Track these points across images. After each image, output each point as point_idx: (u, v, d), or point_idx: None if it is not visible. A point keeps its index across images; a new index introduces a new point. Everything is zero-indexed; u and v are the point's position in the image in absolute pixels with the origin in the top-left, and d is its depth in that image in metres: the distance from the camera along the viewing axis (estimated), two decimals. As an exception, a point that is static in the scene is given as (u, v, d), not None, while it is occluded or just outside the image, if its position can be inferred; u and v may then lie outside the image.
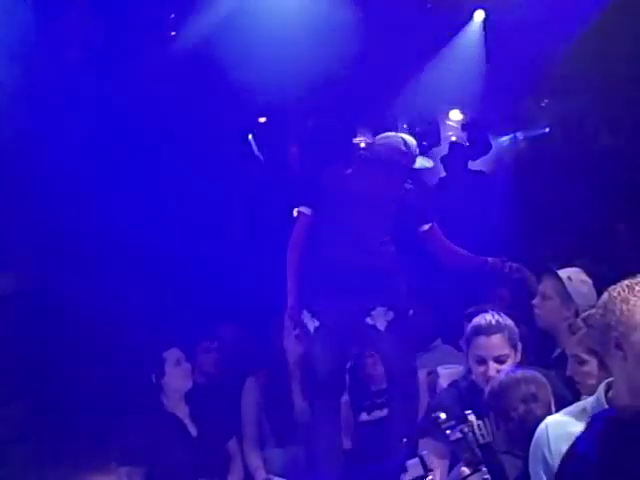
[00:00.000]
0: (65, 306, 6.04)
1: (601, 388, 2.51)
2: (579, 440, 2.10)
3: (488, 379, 3.46)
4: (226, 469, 4.62)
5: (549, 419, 2.62)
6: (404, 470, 2.47)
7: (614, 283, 2.50)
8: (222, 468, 4.59)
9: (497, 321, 3.66)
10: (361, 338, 4.37)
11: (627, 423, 1.96)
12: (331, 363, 4.40)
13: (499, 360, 3.60)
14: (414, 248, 4.69)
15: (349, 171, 4.61)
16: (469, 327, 3.72)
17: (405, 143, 4.73)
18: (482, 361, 3.60)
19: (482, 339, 3.59)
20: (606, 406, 2.42)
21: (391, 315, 4.22)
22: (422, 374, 4.59)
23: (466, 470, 2.47)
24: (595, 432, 2.04)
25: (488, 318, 3.67)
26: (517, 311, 4.32)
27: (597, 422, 2.04)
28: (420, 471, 2.42)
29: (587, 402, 2.54)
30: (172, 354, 4.57)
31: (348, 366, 4.56)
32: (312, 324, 4.37)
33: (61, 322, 6.02)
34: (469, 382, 3.74)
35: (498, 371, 3.54)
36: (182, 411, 4.56)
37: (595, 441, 1.95)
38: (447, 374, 4.40)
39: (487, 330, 3.61)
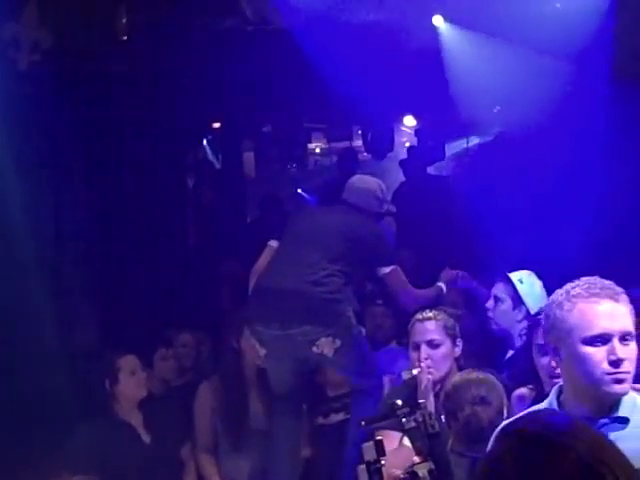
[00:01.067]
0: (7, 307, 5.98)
1: (554, 390, 2.54)
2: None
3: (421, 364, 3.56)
4: (179, 476, 4.57)
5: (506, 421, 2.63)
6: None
7: None
8: (175, 475, 4.55)
9: (433, 311, 3.82)
10: (310, 363, 4.36)
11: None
12: (285, 382, 4.43)
13: (432, 344, 3.67)
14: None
15: (321, 209, 4.72)
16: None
17: (381, 189, 4.81)
18: (416, 347, 3.74)
19: (417, 325, 3.78)
20: (556, 409, 2.44)
21: (338, 343, 4.24)
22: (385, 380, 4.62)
23: (416, 459, 2.48)
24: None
25: (426, 310, 3.80)
26: (469, 318, 4.37)
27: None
28: (374, 455, 2.43)
29: (542, 405, 2.55)
30: (128, 362, 4.48)
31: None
32: (261, 350, 4.38)
33: (5, 324, 5.95)
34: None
35: (429, 356, 3.61)
36: (135, 418, 4.51)
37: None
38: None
39: (422, 318, 3.78)
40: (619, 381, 2.40)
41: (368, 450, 2.46)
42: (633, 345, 2.44)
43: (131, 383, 4.46)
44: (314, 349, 4.22)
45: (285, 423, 4.40)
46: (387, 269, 4.53)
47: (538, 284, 4.32)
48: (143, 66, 7.16)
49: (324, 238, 4.41)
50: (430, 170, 9.10)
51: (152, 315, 6.72)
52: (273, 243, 4.65)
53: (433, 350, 3.74)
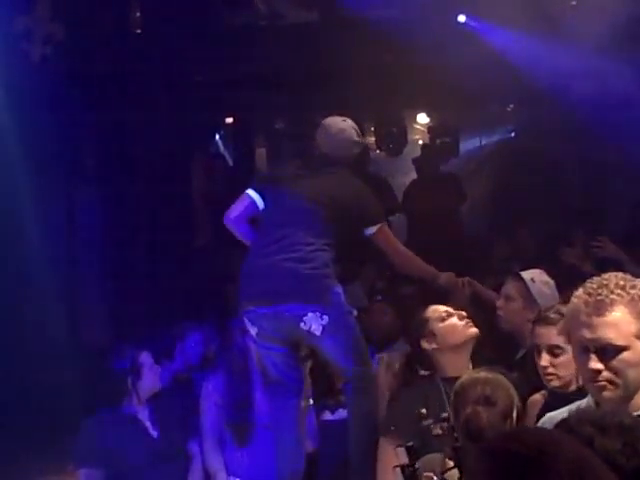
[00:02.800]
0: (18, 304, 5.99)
1: None
2: None
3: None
4: (186, 471, 4.56)
5: (546, 416, 2.58)
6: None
7: None
8: (182, 469, 4.54)
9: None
10: (301, 342, 4.27)
11: None
12: (280, 365, 4.34)
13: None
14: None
15: (303, 176, 4.45)
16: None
17: (353, 127, 4.51)
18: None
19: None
20: (592, 406, 2.40)
21: (325, 319, 4.09)
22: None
23: (450, 462, 2.48)
24: None
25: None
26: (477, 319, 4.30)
27: None
28: (406, 459, 2.43)
29: (582, 402, 2.52)
30: (146, 358, 4.55)
31: (311, 364, 4.50)
32: (252, 330, 4.30)
33: (15, 322, 5.96)
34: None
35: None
36: (142, 412, 4.50)
37: None
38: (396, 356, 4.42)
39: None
40: (601, 388, 2.36)
41: (401, 454, 2.47)
42: (620, 356, 2.34)
43: (150, 377, 4.53)
44: (302, 325, 4.09)
45: (284, 417, 4.33)
46: (373, 228, 4.33)
47: (550, 283, 4.28)
48: (156, 60, 7.14)
49: (307, 212, 4.23)
50: (443, 168, 9.06)
51: (161, 311, 6.72)
52: (252, 193, 4.41)
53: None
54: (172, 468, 4.44)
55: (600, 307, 2.34)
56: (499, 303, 4.33)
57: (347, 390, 4.26)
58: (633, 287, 2.37)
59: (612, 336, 2.33)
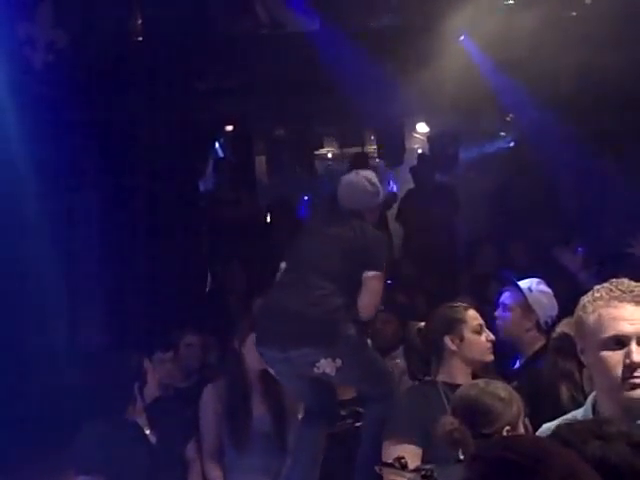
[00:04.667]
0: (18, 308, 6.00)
1: (589, 399, 2.48)
2: None
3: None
4: (185, 477, 4.57)
5: (544, 427, 2.55)
6: None
7: None
8: (181, 476, 4.55)
9: None
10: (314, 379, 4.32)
11: None
12: (303, 397, 4.45)
13: None
14: None
15: (322, 224, 4.66)
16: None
17: (369, 181, 4.64)
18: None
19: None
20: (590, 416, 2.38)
21: (339, 363, 4.19)
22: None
23: None
24: None
25: None
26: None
27: None
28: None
29: (577, 413, 2.50)
30: (148, 364, 4.60)
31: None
32: (271, 370, 4.43)
33: (15, 328, 5.97)
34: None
35: None
36: (142, 418, 4.51)
37: None
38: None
39: None
40: (635, 386, 2.32)
41: None
42: None
43: (153, 383, 4.58)
44: (315, 370, 4.19)
45: (311, 430, 4.37)
46: (371, 273, 4.38)
47: (548, 292, 4.29)
48: (157, 68, 7.17)
49: (322, 257, 4.37)
50: (440, 178, 9.09)
51: (161, 317, 6.73)
52: (283, 265, 4.61)
53: None
54: (171, 474, 4.45)
55: (634, 299, 2.34)
56: (497, 312, 4.35)
57: (365, 403, 4.34)
58: None
59: None
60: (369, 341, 4.54)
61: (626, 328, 2.34)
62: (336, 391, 4.51)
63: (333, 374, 4.19)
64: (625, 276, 2.48)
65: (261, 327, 4.36)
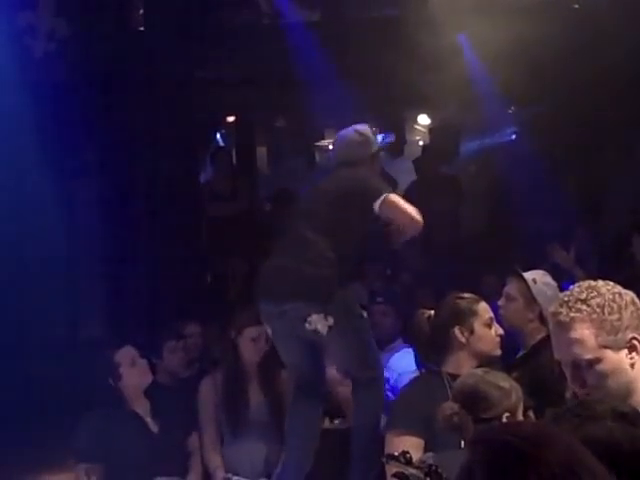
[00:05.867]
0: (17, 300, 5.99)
1: None
2: None
3: None
4: (186, 466, 4.57)
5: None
6: None
7: None
8: (182, 465, 4.55)
9: None
10: (308, 342, 4.27)
11: None
12: (295, 364, 4.37)
13: None
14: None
15: (320, 182, 4.63)
16: None
17: (360, 133, 4.54)
18: None
19: None
20: None
21: (330, 321, 4.12)
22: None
23: None
24: None
25: None
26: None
27: None
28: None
29: None
30: (125, 354, 4.47)
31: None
32: (269, 330, 4.38)
33: (17, 320, 5.96)
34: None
35: None
36: (143, 407, 4.51)
37: None
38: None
39: None
40: None
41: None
42: (593, 370, 2.32)
43: (134, 374, 4.46)
44: (307, 325, 4.12)
45: (301, 410, 4.32)
46: (378, 202, 4.22)
47: (552, 284, 4.29)
48: (158, 57, 7.14)
49: (316, 211, 4.33)
50: (444, 169, 9.07)
51: (162, 308, 6.73)
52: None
53: None
54: (172, 464, 4.45)
55: (562, 328, 2.34)
56: (500, 302, 4.34)
57: (354, 389, 4.29)
58: (595, 297, 2.33)
59: (579, 352, 2.32)
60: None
61: (556, 356, 2.39)
62: (325, 368, 4.44)
63: (324, 332, 4.11)
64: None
65: (261, 284, 4.33)
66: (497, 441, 1.46)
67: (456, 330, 3.86)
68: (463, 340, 3.85)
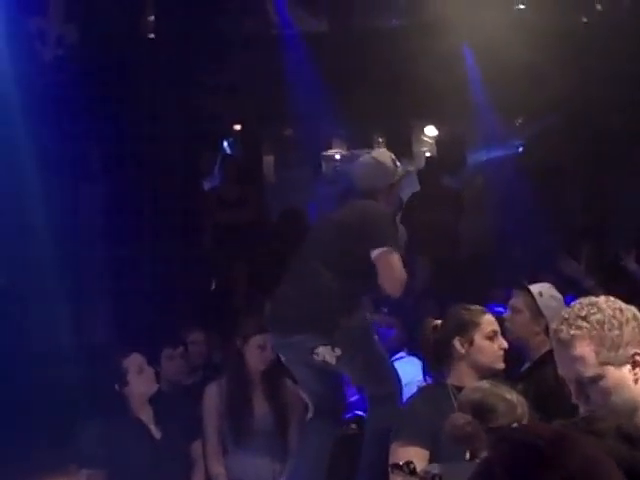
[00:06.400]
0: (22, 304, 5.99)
1: None
2: None
3: None
4: (188, 474, 4.56)
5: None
6: None
7: None
8: (184, 473, 4.53)
9: None
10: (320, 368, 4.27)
11: None
12: (310, 388, 4.38)
13: None
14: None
15: (331, 212, 4.64)
16: None
17: (378, 161, 4.47)
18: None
19: None
20: None
21: (338, 352, 4.12)
22: None
23: None
24: None
25: None
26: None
27: None
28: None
29: None
30: (133, 361, 4.46)
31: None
32: (282, 358, 4.40)
33: (20, 325, 5.96)
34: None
35: None
36: (146, 414, 4.49)
37: None
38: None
39: None
40: None
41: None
42: (596, 386, 2.32)
43: (140, 381, 4.45)
44: (315, 357, 4.14)
45: (317, 430, 4.32)
46: (377, 251, 4.17)
47: (558, 297, 4.28)
48: (167, 64, 7.16)
49: (322, 244, 4.30)
50: (447, 181, 9.07)
51: (166, 314, 6.73)
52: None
53: None
54: (174, 470, 4.43)
55: (563, 345, 2.33)
56: (506, 315, 4.33)
57: (369, 403, 4.30)
58: (595, 313, 2.32)
59: (580, 369, 2.32)
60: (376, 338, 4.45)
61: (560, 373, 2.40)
62: (343, 389, 4.48)
63: (333, 362, 4.12)
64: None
65: (268, 315, 4.36)
66: (520, 441, 1.45)
67: (456, 341, 3.83)
68: (462, 352, 3.82)
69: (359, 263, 4.21)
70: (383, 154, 4.58)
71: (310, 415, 4.42)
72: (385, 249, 4.20)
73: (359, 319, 4.22)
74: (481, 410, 3.01)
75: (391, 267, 4.22)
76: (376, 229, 4.24)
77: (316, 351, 4.12)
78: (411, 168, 4.87)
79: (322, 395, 4.34)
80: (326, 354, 4.12)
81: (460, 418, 2.99)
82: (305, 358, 4.19)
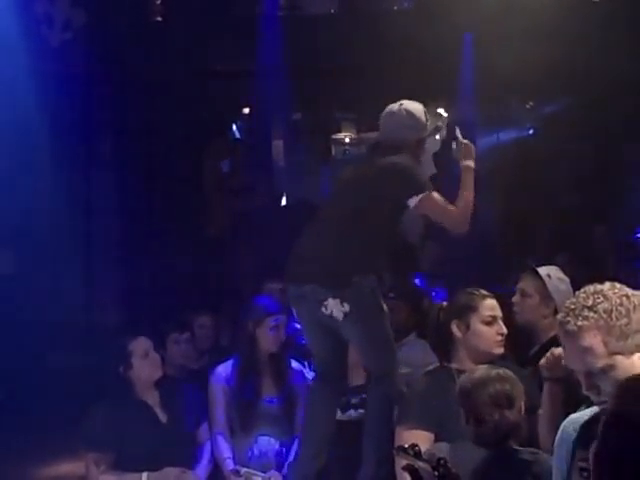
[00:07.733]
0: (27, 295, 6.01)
1: None
2: None
3: None
4: (195, 457, 4.56)
5: (569, 418, 2.50)
6: None
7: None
8: (191, 456, 4.53)
9: None
10: (331, 331, 4.21)
11: None
12: (318, 347, 4.34)
13: None
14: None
15: (357, 165, 4.52)
16: None
17: (412, 115, 4.18)
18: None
19: None
20: None
21: (346, 307, 4.04)
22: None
23: None
24: None
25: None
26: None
27: None
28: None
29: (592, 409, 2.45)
30: (139, 345, 4.43)
31: None
32: (294, 311, 4.37)
33: (25, 312, 5.98)
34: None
35: None
36: (152, 398, 4.49)
37: None
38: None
39: None
40: None
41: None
42: (609, 375, 2.30)
43: (145, 365, 4.42)
44: (323, 310, 4.07)
45: (319, 398, 4.29)
46: (416, 198, 4.04)
47: (565, 279, 4.25)
48: (175, 48, 7.14)
49: (348, 196, 4.17)
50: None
51: (175, 298, 6.74)
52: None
53: None
54: (181, 454, 4.43)
55: (570, 337, 2.30)
56: (515, 298, 4.30)
57: (371, 384, 4.25)
58: (601, 302, 2.28)
59: (590, 360, 2.28)
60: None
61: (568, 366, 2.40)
62: (347, 357, 4.40)
63: (340, 318, 4.06)
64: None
65: (286, 266, 4.26)
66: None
67: (453, 324, 3.83)
68: (459, 335, 3.81)
69: (384, 220, 4.12)
70: (414, 105, 4.27)
71: (311, 380, 4.40)
72: (425, 194, 4.10)
73: (372, 282, 4.13)
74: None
75: (439, 204, 4.14)
76: (410, 184, 4.09)
77: (325, 303, 4.05)
78: (440, 124, 4.51)
79: (328, 360, 4.28)
80: (334, 308, 4.05)
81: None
82: (315, 312, 4.13)
